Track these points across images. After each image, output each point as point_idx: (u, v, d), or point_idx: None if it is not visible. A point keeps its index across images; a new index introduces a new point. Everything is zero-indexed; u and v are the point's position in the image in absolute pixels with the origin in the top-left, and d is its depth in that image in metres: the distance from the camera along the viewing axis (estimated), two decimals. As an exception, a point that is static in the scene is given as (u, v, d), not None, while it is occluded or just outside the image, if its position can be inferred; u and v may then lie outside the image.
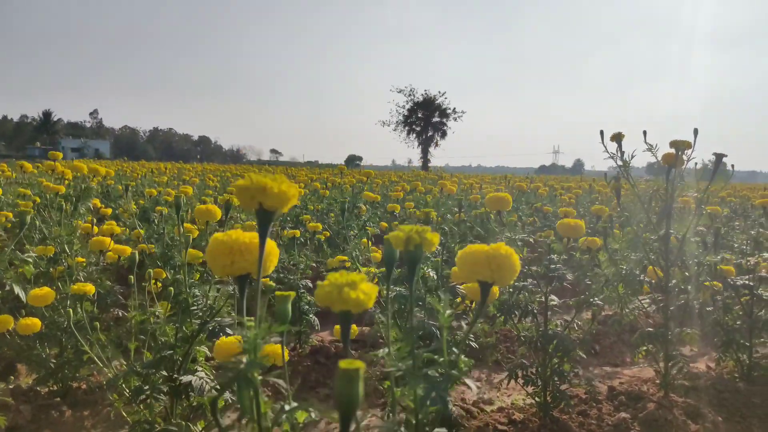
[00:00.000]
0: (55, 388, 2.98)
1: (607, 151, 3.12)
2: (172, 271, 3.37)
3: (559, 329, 2.66)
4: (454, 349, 0.97)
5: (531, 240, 6.69)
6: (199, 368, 1.87)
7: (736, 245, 4.07)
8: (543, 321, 2.66)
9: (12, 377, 3.29)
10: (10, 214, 4.37)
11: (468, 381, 0.92)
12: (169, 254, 3.39)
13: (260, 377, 0.80)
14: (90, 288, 2.06)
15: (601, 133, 3.12)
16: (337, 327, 2.24)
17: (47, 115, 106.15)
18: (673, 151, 2.89)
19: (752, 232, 4.54)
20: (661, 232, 2.97)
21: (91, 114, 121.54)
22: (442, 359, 0.95)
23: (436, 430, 0.89)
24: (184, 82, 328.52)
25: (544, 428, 2.52)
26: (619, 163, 3.06)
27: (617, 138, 3.05)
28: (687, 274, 3.05)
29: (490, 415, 2.75)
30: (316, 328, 3.68)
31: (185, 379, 1.76)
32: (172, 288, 1.88)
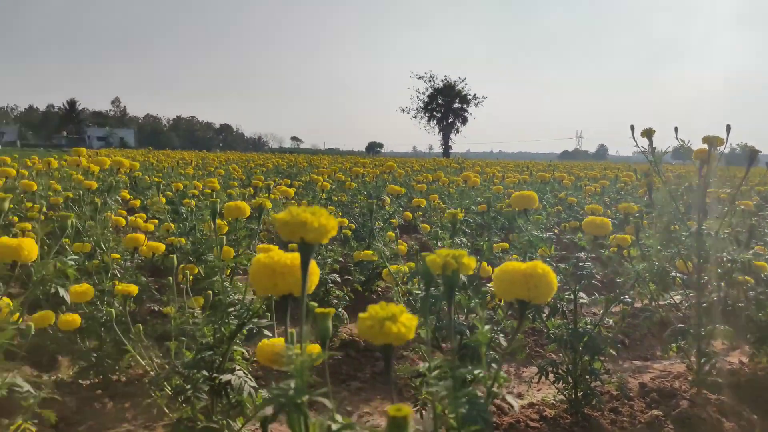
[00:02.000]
0: (96, 380, 3.08)
1: (638, 146, 3.09)
2: (203, 266, 3.44)
3: (589, 327, 2.66)
4: (493, 365, 0.99)
5: (555, 231, 6.68)
6: (237, 367, 1.92)
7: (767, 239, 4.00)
8: (572, 319, 2.67)
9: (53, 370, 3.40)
10: (44, 207, 4.49)
11: (509, 398, 0.94)
12: (200, 250, 3.45)
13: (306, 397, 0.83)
14: (133, 288, 2.12)
15: (632, 128, 3.09)
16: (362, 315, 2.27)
17: (72, 104, 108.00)
18: (705, 146, 2.85)
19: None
20: (693, 228, 2.94)
21: (113, 102, 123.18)
22: (482, 374, 0.97)
23: (478, 444, 0.91)
24: (206, 70, 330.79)
25: (576, 426, 2.53)
26: (651, 158, 3.03)
27: (648, 134, 3.02)
28: (720, 270, 3.01)
29: (521, 411, 2.76)
30: (345, 321, 3.73)
31: (225, 378, 1.81)
32: (210, 292, 1.93)
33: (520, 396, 3.34)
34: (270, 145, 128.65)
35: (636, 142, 3.09)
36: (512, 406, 0.90)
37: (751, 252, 3.35)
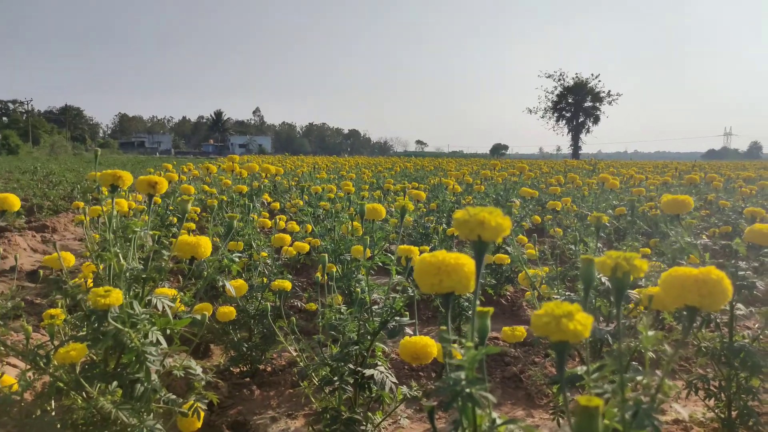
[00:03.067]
0: (245, 369, 3.36)
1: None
2: (340, 266, 3.62)
3: (746, 341, 2.44)
4: (657, 372, 0.97)
5: (704, 237, 6.16)
6: (379, 363, 2.01)
7: None
8: (728, 332, 2.46)
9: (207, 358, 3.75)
10: (198, 209, 4.95)
11: (676, 405, 0.91)
12: (339, 250, 3.63)
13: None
14: (288, 284, 2.29)
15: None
16: (506, 329, 2.26)
17: (218, 114, 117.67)
18: None
19: None
20: None
21: (254, 112, 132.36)
22: (645, 381, 0.95)
23: (640, 452, 0.90)
24: (336, 79, 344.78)
25: (730, 447, 2.34)
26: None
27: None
28: None
29: (666, 427, 2.61)
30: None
31: (368, 372, 1.90)
32: (358, 289, 2.04)
33: (662, 412, 3.14)
34: (395, 149, 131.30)
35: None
36: (680, 413, 0.87)
37: None
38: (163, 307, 1.61)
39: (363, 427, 1.97)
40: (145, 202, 3.16)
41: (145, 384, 1.61)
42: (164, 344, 1.57)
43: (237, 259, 1.85)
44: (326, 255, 2.23)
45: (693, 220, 2.67)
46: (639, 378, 0.94)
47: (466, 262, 0.96)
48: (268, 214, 5.29)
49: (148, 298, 1.69)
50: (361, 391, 2.03)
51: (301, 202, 6.11)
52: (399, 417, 2.15)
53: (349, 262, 3.38)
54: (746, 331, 2.67)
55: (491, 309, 1.01)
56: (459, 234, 0.85)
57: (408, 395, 1.96)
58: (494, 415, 0.96)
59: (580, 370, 0.97)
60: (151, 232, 2.30)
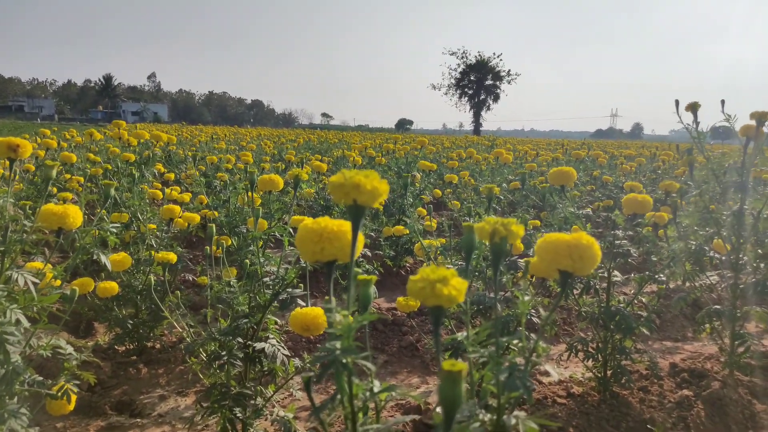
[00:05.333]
0: (131, 347, 3.18)
1: (682, 122, 3.00)
2: (236, 238, 3.50)
3: (621, 305, 2.63)
4: (532, 335, 0.99)
5: (589, 210, 6.57)
6: (271, 336, 1.96)
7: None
8: (605, 297, 2.64)
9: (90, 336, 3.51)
10: (82, 179, 4.59)
11: (548, 367, 0.94)
12: (234, 222, 3.51)
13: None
14: (173, 256, 2.17)
15: (676, 102, 3.00)
16: (400, 299, 2.29)
17: (108, 79, 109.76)
18: (753, 123, 2.76)
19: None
20: (735, 207, 2.86)
21: (149, 78, 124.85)
22: (520, 344, 0.97)
23: (515, 412, 0.92)
24: (238, 46, 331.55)
25: (604, 403, 2.52)
26: (694, 135, 2.94)
27: (693, 108, 2.93)
28: (760, 251, 2.93)
29: (549, 388, 2.77)
30: (375, 295, 3.75)
31: (258, 346, 1.85)
32: (248, 261, 1.96)
33: (547, 374, 3.34)
34: (300, 121, 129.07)
35: (680, 117, 3.00)
36: (551, 374, 0.90)
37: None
38: (25, 282, 1.45)
39: (254, 401, 1.92)
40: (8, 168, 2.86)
41: (6, 366, 1.46)
42: (26, 323, 1.42)
43: (114, 230, 1.70)
44: (213, 226, 2.12)
45: (577, 192, 2.81)
46: (515, 341, 0.96)
47: (349, 228, 0.93)
48: (161, 185, 5.01)
49: (8, 273, 1.53)
50: (252, 365, 1.97)
51: (197, 173, 5.84)
52: (293, 389, 2.11)
53: (245, 234, 3.27)
54: (622, 296, 2.88)
55: (374, 277, 0.99)
56: (334, 198, 0.82)
57: (301, 367, 1.92)
58: (376, 383, 0.95)
59: (461, 335, 0.98)
60: (22, 203, 2.08)
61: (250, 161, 4.59)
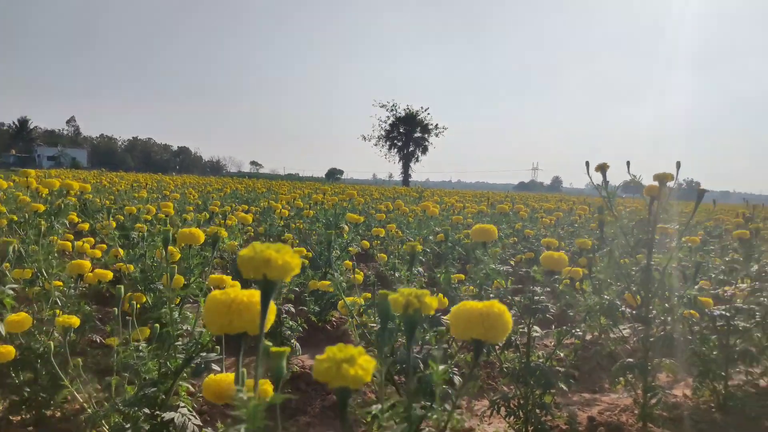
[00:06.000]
0: (28, 416, 2.90)
1: (592, 182, 3.17)
2: (152, 295, 3.33)
3: (541, 360, 2.68)
4: (446, 406, 0.98)
5: (512, 263, 6.75)
6: (182, 404, 1.84)
7: (713, 275, 4.15)
8: (525, 352, 2.68)
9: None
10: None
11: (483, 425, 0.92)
12: (150, 277, 3.34)
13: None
14: (75, 320, 2.03)
15: (587, 164, 3.17)
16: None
17: (23, 122, 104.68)
18: (656, 183, 2.95)
19: (726, 258, 4.63)
20: (642, 263, 3.02)
21: (68, 122, 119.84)
22: (435, 417, 0.95)
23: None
24: (164, 91, 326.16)
25: (526, 461, 2.53)
26: (604, 194, 3.11)
27: (602, 169, 3.10)
28: (667, 305, 3.09)
29: (473, 446, 2.74)
30: (298, 353, 3.65)
31: (167, 416, 1.73)
32: (158, 325, 1.86)
33: (471, 430, 3.32)
34: (228, 169, 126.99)
35: (590, 177, 3.17)
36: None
37: (696, 287, 3.47)
38: None
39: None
40: None
41: None
42: None
43: (10, 292, 1.57)
44: (122, 287, 2.01)
45: (498, 249, 2.88)
46: (429, 414, 0.94)
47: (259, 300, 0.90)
48: (72, 237, 4.74)
49: None
50: (160, 436, 1.84)
51: (114, 224, 5.58)
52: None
53: (162, 291, 3.12)
54: (542, 351, 2.94)
55: (287, 349, 0.95)
56: (243, 272, 0.79)
57: None
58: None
59: (375, 408, 0.95)
60: None
61: (171, 213, 4.43)
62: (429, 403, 0.99)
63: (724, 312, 3.33)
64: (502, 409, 2.63)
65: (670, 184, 2.98)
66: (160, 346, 1.87)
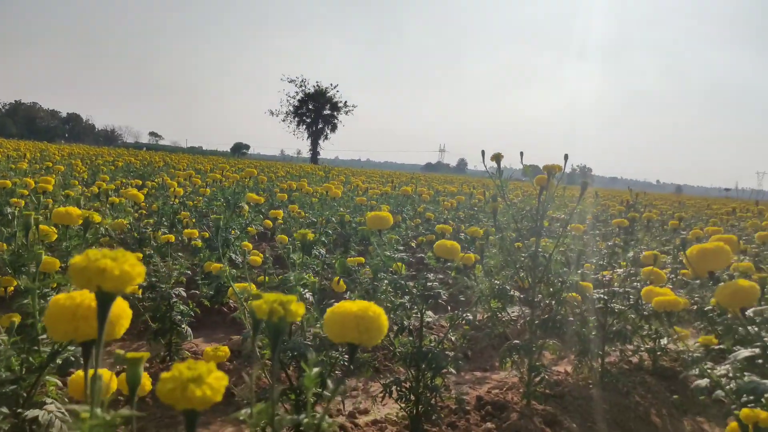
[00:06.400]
0: None
1: (487, 171, 3.27)
2: (24, 277, 3.06)
3: (432, 344, 2.74)
4: (318, 410, 0.95)
5: (413, 245, 6.86)
6: (49, 400, 1.71)
7: (594, 260, 4.43)
8: (419, 336, 2.73)
9: None
10: None
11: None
12: (20, 260, 3.06)
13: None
14: None
15: (483, 153, 3.26)
16: (164, 376, 2.14)
17: None
18: (545, 174, 3.08)
19: (609, 243, 4.97)
20: (530, 250, 3.16)
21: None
22: (306, 420, 0.93)
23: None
24: (52, 50, 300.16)
25: (415, 442, 2.59)
26: (497, 182, 3.21)
27: (497, 158, 3.20)
28: (552, 289, 3.26)
29: (364, 429, 2.77)
30: (189, 338, 3.51)
31: (31, 414, 1.59)
32: (17, 317, 1.70)
33: (366, 412, 3.36)
34: (125, 140, 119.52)
35: (485, 165, 3.27)
36: (369, 414, 0.87)
37: (579, 272, 3.69)
38: None
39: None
40: None
41: None
42: None
43: None
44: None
45: (394, 235, 2.91)
46: (300, 417, 0.92)
47: (115, 303, 0.82)
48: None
49: None
50: (22, 437, 1.69)
51: (-16, 198, 5.07)
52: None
53: (35, 275, 2.87)
54: (434, 336, 3.01)
55: (145, 354, 0.89)
56: (75, 284, 0.71)
57: None
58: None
59: (243, 414, 0.91)
60: None
61: (49, 189, 4.09)
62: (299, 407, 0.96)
63: (602, 295, 3.57)
64: (394, 392, 2.68)
65: (559, 174, 3.13)
66: (23, 339, 1.71)
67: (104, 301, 0.71)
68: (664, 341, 3.91)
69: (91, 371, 0.81)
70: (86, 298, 0.80)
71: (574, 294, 3.56)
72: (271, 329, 0.80)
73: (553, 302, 3.32)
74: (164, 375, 0.64)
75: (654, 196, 27.32)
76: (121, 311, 0.83)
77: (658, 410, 3.40)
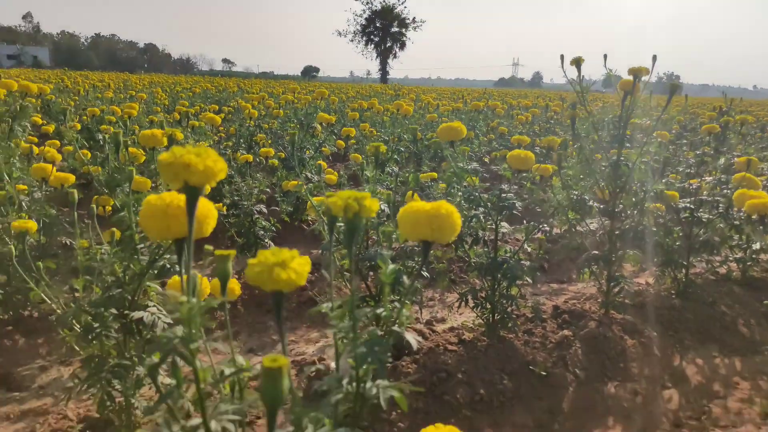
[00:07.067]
0: (5, 317, 2.94)
1: (566, 77, 3.10)
2: (121, 195, 3.28)
3: (507, 255, 2.74)
4: (396, 303, 0.99)
5: (486, 160, 6.75)
6: (151, 303, 1.87)
7: (681, 169, 4.20)
8: (493, 248, 2.73)
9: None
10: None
11: (408, 336, 0.95)
12: (115, 181, 3.27)
13: (201, 342, 0.80)
14: (32, 225, 2.00)
15: (561, 57, 3.09)
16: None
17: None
18: (630, 78, 2.89)
19: (697, 152, 4.68)
20: (612, 158, 3.03)
21: (24, 17, 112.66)
22: (385, 314, 0.97)
23: (378, 381, 0.92)
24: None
25: (491, 348, 2.65)
26: (578, 88, 3.05)
27: (577, 63, 3.03)
28: (634, 199, 3.14)
29: (441, 335, 2.87)
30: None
31: (136, 315, 1.75)
32: (117, 232, 1.84)
33: (443, 320, 3.47)
34: (200, 68, 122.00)
35: (564, 72, 3.10)
36: (411, 343, 0.90)
37: (663, 181, 3.52)
38: None
39: (135, 372, 1.84)
40: None
41: None
42: None
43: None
44: (75, 192, 1.98)
45: (466, 147, 2.85)
46: (379, 311, 0.96)
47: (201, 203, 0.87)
48: (36, 140, 4.58)
49: None
50: (131, 335, 1.88)
51: (78, 126, 5.40)
52: (180, 356, 2.04)
53: (129, 193, 3.07)
54: (510, 246, 3.01)
55: (233, 252, 0.94)
56: (164, 179, 0.75)
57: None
58: (239, 359, 0.92)
59: (325, 306, 0.96)
60: None
61: (134, 114, 4.28)
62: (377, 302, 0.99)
63: (689, 204, 3.41)
64: (470, 301, 2.73)
65: (645, 78, 2.93)
66: (123, 249, 1.86)
67: (191, 195, 0.75)
68: (756, 246, 3.71)
69: (185, 277, 0.87)
70: (175, 198, 0.85)
71: (657, 204, 3.42)
72: (347, 225, 0.82)
73: (635, 212, 3.20)
74: (251, 261, 0.68)
75: (750, 102, 25.15)
76: (208, 211, 0.88)
77: (746, 320, 3.29)
